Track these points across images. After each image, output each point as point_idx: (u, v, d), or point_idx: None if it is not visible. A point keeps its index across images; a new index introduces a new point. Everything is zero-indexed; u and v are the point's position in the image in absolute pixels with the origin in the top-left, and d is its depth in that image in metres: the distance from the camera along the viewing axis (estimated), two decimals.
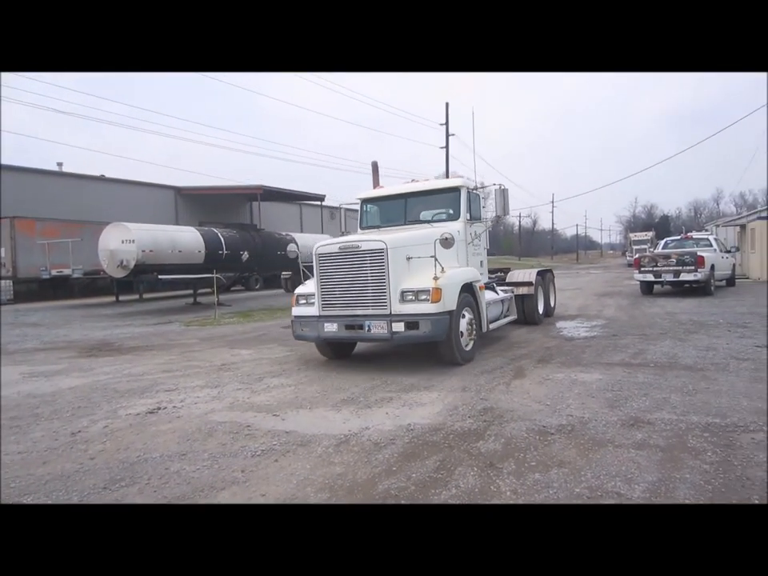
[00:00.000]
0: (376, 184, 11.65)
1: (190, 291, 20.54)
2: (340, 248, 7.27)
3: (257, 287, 27.36)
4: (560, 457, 3.86)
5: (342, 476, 3.69)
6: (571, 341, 9.00)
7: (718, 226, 40.14)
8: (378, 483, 3.55)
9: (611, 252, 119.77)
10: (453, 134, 37.71)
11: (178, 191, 32.70)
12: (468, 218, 8.75)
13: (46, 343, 11.33)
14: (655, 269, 16.03)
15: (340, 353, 8.34)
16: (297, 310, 7.77)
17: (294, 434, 4.65)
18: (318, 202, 33.85)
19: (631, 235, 55.60)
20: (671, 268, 15.64)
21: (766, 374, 5.97)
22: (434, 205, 9.12)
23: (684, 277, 15.46)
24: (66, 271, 22.44)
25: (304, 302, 7.71)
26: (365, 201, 9.66)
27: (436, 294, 6.78)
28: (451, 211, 8.80)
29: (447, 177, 38.04)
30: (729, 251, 19.27)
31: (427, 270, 7.03)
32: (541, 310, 11.38)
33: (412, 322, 6.78)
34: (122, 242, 17.36)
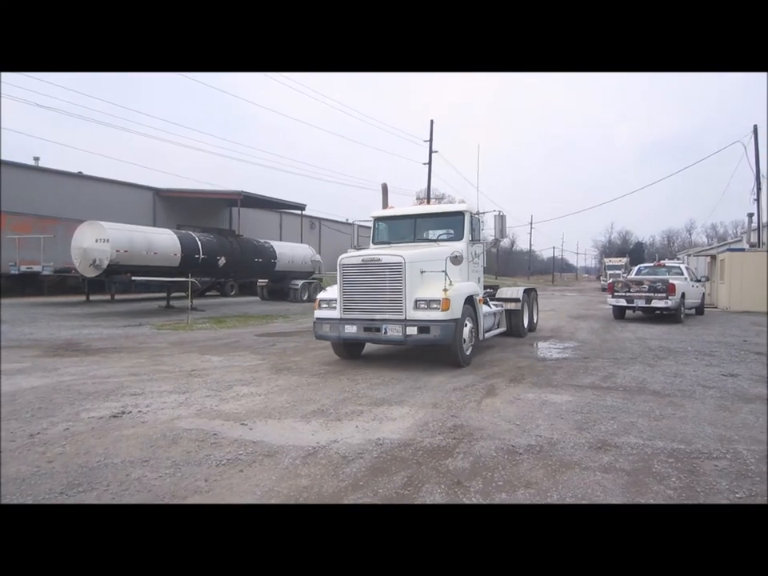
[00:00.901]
0: (385, 204, 12.84)
1: (164, 294, 20.22)
2: (363, 260, 8.30)
3: (232, 293, 27.08)
4: (527, 477, 3.86)
5: (307, 489, 3.63)
6: (543, 361, 9.08)
7: (689, 255, 41.14)
8: (344, 497, 3.50)
9: (586, 275, 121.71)
10: (436, 151, 38.11)
11: (157, 193, 32.26)
12: (470, 239, 9.79)
13: (9, 341, 11.02)
14: (628, 294, 16.30)
15: (352, 353, 9.31)
16: (319, 313, 8.66)
17: (261, 444, 4.58)
18: (299, 211, 33.79)
19: (606, 260, 56.61)
20: (643, 294, 15.91)
21: (737, 403, 6.10)
22: (440, 226, 10.26)
23: (655, 303, 15.74)
24: (36, 268, 21.89)
25: (326, 306, 8.61)
26: (377, 219, 10.64)
27: (445, 304, 7.80)
28: (455, 232, 9.87)
29: (429, 192, 38.38)
30: (699, 280, 19.71)
31: (437, 282, 8.07)
32: (525, 324, 12.48)
33: (424, 327, 7.77)
34: (96, 240, 17.04)
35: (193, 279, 17.34)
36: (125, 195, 30.18)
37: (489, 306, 10.41)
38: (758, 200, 27.36)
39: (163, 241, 19.12)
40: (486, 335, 9.71)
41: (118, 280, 18.83)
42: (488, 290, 11.84)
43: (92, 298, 21.19)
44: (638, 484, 3.74)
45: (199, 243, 20.41)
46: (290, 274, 24.96)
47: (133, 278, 17.93)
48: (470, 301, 8.71)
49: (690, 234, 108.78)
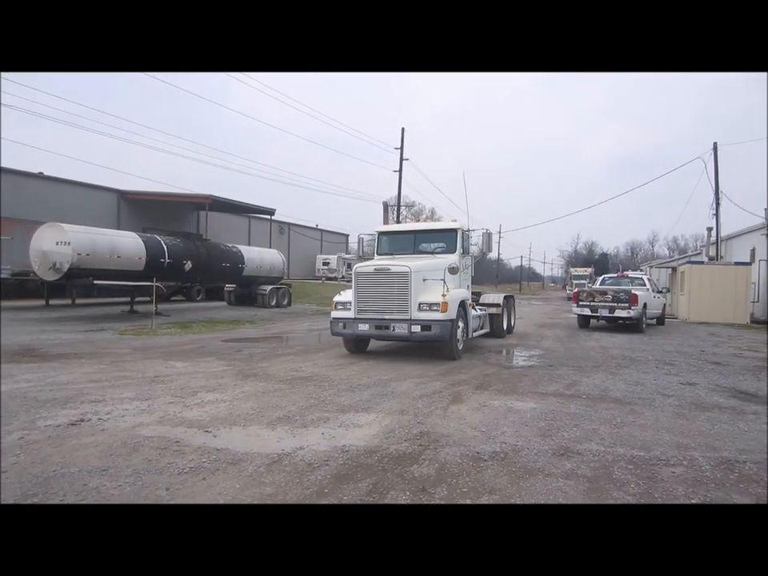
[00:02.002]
0: (386, 220, 14.78)
1: (127, 299, 19.76)
2: (374, 269, 9.92)
3: (199, 298, 26.63)
4: (491, 484, 3.89)
5: (271, 496, 3.59)
6: (509, 369, 9.19)
7: (651, 266, 42.29)
8: None
9: (552, 285, 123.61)
10: (407, 159, 38.34)
11: (122, 195, 31.55)
12: (461, 252, 11.25)
13: None
14: (592, 304, 16.64)
15: (360, 348, 10.85)
16: (335, 314, 10.16)
17: (225, 452, 4.51)
18: (268, 216, 33.48)
19: (572, 270, 57.62)
20: (607, 304, 16.27)
21: (694, 411, 6.27)
22: (436, 240, 11.69)
23: (618, 313, 16.10)
24: None
25: (341, 307, 10.07)
26: (381, 233, 12.14)
27: (444, 307, 9.38)
28: (448, 246, 11.34)
29: (399, 200, 38.57)
30: (660, 291, 20.27)
31: (437, 288, 9.67)
32: (505, 326, 14.29)
33: (426, 325, 9.35)
34: (57, 243, 16.54)
35: (158, 284, 16.99)
36: (88, 197, 29.42)
37: (476, 309, 11.87)
38: (716, 215, 28.31)
39: (127, 244, 18.68)
40: (474, 334, 11.34)
41: (79, 284, 18.30)
42: (473, 296, 12.73)
43: (52, 302, 20.56)
44: (598, 490, 3.81)
45: (165, 247, 20.02)
46: (258, 279, 24.66)
47: (95, 281, 17.48)
48: (462, 305, 10.26)
49: (652, 246, 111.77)
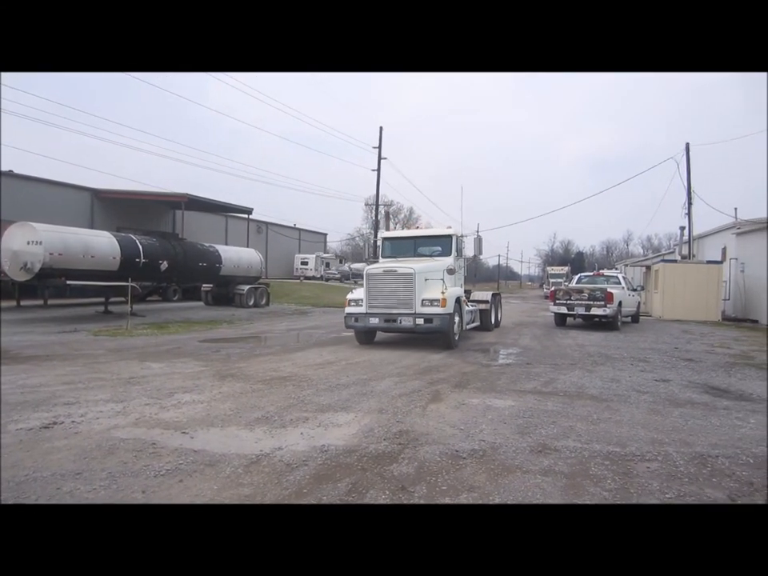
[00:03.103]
0: (388, 227, 16.55)
1: (102, 299, 19.40)
2: (383, 271, 11.42)
3: (175, 299, 26.30)
4: (470, 481, 3.91)
5: (249, 498, 3.56)
6: (488, 367, 9.25)
7: (626, 265, 43.02)
8: None
9: (530, 283, 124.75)
10: (385, 158, 38.38)
11: (96, 194, 30.94)
12: (456, 255, 12.91)
13: None
14: (569, 302, 16.85)
15: (369, 339, 12.26)
16: (349, 309, 11.56)
17: (203, 453, 4.45)
18: (245, 215, 33.18)
19: (549, 269, 58.31)
20: (583, 302, 16.49)
21: (668, 407, 6.39)
22: (434, 244, 13.37)
23: (594, 311, 16.33)
24: None
25: (354, 304, 11.50)
26: (385, 239, 14.01)
27: (443, 302, 10.89)
28: (444, 250, 13.00)
29: (377, 199, 38.58)
30: (635, 289, 20.62)
31: (437, 286, 11.24)
32: (493, 321, 15.88)
33: (429, 318, 10.91)
34: (28, 242, 16.15)
35: (133, 284, 16.72)
36: (60, 195, 28.75)
37: (468, 305, 13.24)
38: (688, 214, 28.83)
39: (101, 243, 18.32)
40: (467, 327, 12.87)
41: (51, 284, 17.88)
42: (465, 294, 13.89)
43: (23, 303, 20.11)
44: (575, 486, 3.85)
45: (140, 246, 19.70)
46: (236, 278, 24.42)
47: (68, 282, 17.10)
48: (458, 301, 11.74)
49: (627, 245, 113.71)
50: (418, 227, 15.40)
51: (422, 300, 10.93)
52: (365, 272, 11.67)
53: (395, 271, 11.23)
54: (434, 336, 11.71)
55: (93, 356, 9.83)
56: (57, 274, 16.78)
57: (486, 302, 15.23)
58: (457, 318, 11.58)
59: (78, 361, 9.20)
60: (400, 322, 11.03)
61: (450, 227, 13.64)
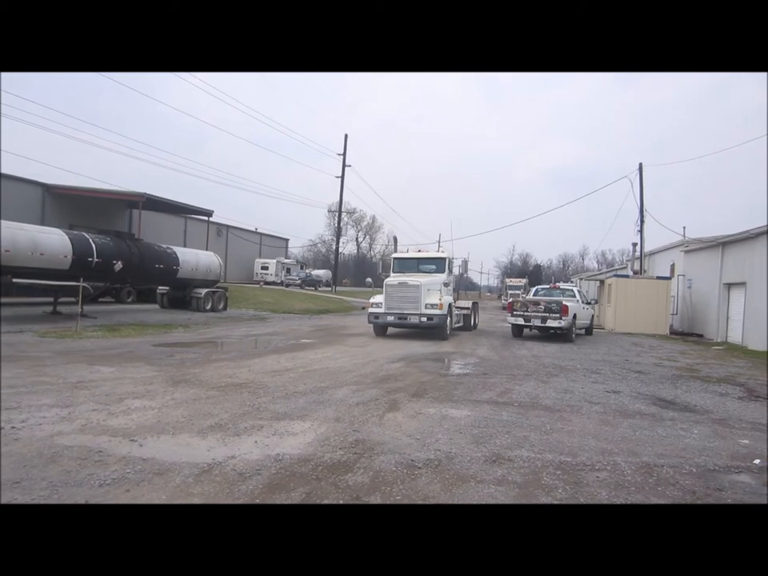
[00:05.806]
0: (396, 249, 20.38)
1: (50, 299, 18.67)
2: (399, 282, 15.78)
3: (129, 300, 25.51)
4: (425, 491, 3.92)
5: None
6: (445, 377, 9.32)
7: (581, 278, 44.17)
8: None
9: (489, 294, 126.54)
10: (349, 165, 38.45)
11: (48, 189, 29.85)
12: (448, 272, 17.18)
13: None
14: (526, 313, 17.13)
15: (383, 333, 16.54)
16: (372, 309, 15.95)
17: (152, 462, 4.32)
18: (205, 217, 32.59)
19: (507, 280, 59.20)
20: (539, 314, 16.80)
21: (618, 418, 6.56)
22: (432, 263, 17.51)
23: (550, 323, 16.67)
24: None
25: (376, 306, 15.83)
26: (395, 258, 18.03)
27: (441, 306, 15.29)
28: (439, 268, 17.13)
29: (340, 206, 38.57)
30: (589, 303, 21.18)
31: (436, 295, 15.66)
32: (473, 323, 19.96)
33: (430, 317, 15.22)
34: None
35: (84, 284, 16.15)
36: (8, 189, 27.56)
37: (456, 310, 17.57)
38: (641, 231, 29.87)
39: (51, 241, 17.63)
40: (455, 326, 17.45)
41: None
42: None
43: None
44: (527, 496, 3.91)
45: (93, 245, 19.04)
46: (194, 282, 23.89)
47: (14, 279, 16.39)
48: (450, 306, 16.24)
49: (582, 259, 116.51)
50: (419, 250, 19.28)
51: (426, 304, 15.18)
52: (384, 283, 16.08)
53: (407, 283, 15.62)
54: (433, 330, 15.64)
55: (38, 358, 9.43)
56: (3, 271, 16.05)
57: (468, 308, 19.40)
58: (449, 319, 16.02)
59: (22, 363, 8.81)
60: (409, 320, 15.36)
61: (444, 251, 18.60)
